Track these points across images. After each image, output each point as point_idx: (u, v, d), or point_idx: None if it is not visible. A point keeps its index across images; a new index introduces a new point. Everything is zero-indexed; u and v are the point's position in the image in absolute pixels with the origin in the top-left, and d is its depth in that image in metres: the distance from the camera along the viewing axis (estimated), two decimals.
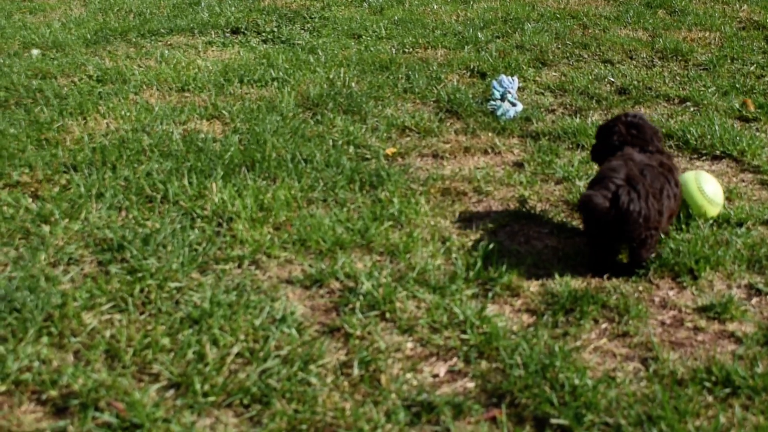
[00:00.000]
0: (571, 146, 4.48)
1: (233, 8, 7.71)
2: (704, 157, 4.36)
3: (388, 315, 2.96)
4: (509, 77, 5.14)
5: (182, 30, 6.98)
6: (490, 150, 4.44)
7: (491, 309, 3.01)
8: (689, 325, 2.94)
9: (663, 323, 2.96)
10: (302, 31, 6.99)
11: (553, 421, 2.46)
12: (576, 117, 4.91)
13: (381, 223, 3.55)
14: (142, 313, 2.95)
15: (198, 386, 2.55)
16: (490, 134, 4.62)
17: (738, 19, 7.26)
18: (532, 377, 2.61)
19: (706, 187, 3.56)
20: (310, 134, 4.56)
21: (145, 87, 5.41)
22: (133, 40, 6.70)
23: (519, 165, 4.26)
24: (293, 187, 3.86)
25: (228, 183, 3.86)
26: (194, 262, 3.26)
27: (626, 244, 3.22)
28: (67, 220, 3.58)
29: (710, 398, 2.55)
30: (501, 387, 2.60)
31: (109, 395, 2.53)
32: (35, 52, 6.30)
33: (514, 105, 4.96)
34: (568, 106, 5.14)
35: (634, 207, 3.12)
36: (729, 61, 6.00)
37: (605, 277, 3.21)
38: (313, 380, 2.61)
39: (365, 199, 3.77)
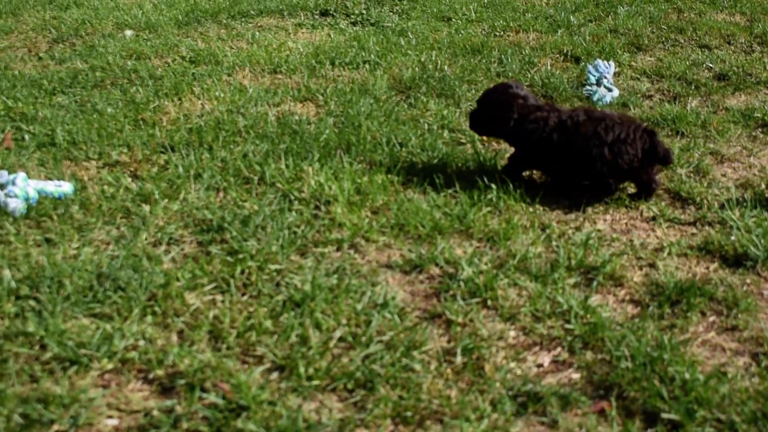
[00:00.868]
0: (670, 133, 4.37)
1: None
2: None
3: (489, 302, 2.92)
4: (605, 62, 5.04)
5: (272, 12, 7.01)
6: None
7: (594, 299, 2.95)
8: None
9: None
10: (391, 14, 6.96)
11: (664, 415, 2.40)
12: (675, 103, 4.79)
13: (479, 208, 3.50)
14: (243, 295, 2.96)
15: (302, 370, 2.55)
16: None
17: None
18: (640, 370, 2.55)
19: None
20: (404, 118, 4.53)
21: (237, 68, 5.44)
22: (224, 21, 6.76)
23: None
24: (391, 170, 3.83)
25: (324, 166, 3.85)
26: (293, 244, 3.26)
27: None
28: (166, 200, 3.61)
29: None
30: (608, 379, 2.55)
31: (214, 376, 2.54)
32: (129, 32, 6.40)
33: (610, 90, 4.86)
34: (665, 92, 5.02)
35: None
36: None
37: (708, 268, 3.12)
38: (417, 367, 2.58)
39: (462, 184, 3.72)
